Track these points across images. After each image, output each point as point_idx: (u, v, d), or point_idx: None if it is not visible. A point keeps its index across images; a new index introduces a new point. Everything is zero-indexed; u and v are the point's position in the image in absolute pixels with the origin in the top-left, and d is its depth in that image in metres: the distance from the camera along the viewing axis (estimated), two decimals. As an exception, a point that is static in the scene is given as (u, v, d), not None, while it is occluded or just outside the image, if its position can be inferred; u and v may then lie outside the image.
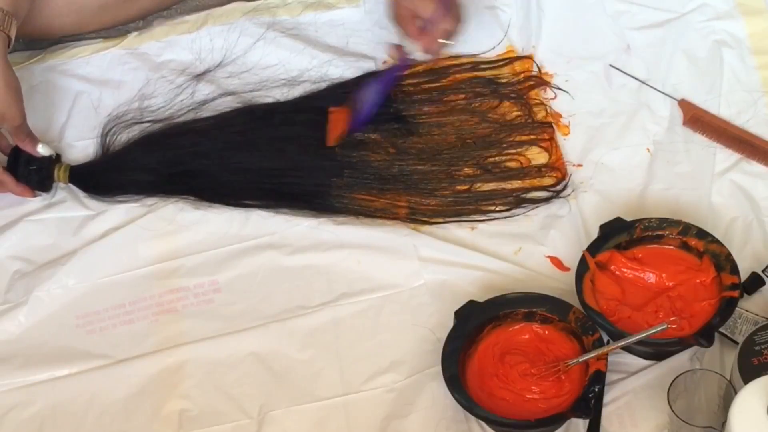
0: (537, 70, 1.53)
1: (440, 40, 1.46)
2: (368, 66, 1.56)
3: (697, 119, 1.45)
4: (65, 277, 1.40)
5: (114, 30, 1.64)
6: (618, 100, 1.50)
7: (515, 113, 1.50)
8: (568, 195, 1.42)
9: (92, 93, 1.57)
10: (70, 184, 1.48)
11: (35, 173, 1.47)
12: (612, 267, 1.31)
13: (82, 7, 1.58)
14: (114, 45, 1.61)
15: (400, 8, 1.47)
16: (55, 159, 1.48)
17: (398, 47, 1.50)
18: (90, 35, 1.63)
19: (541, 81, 1.52)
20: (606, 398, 1.24)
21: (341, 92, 1.51)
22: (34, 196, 1.47)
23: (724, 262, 1.27)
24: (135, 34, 1.62)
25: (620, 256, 1.31)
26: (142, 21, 1.65)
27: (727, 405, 1.11)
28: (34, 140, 1.46)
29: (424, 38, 1.46)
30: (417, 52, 1.48)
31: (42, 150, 1.46)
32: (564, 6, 1.57)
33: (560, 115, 1.49)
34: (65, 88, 1.58)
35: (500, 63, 1.54)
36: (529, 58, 1.54)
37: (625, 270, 1.31)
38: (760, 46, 1.50)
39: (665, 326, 1.22)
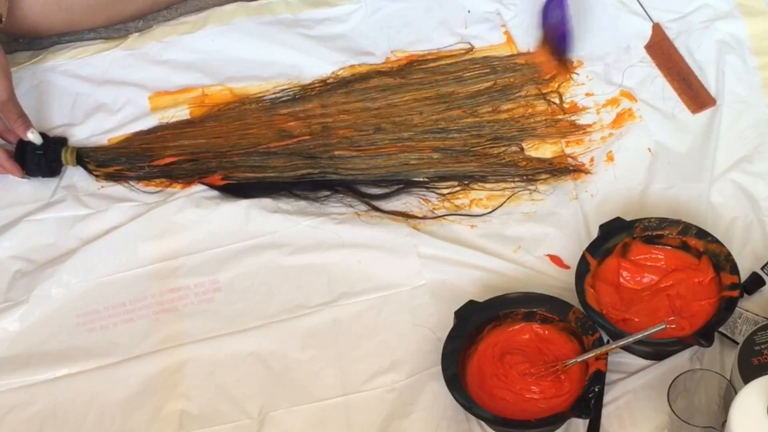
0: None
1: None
2: (371, 61, 1.56)
3: (659, 46, 1.49)
4: (66, 276, 1.40)
5: (115, 31, 1.64)
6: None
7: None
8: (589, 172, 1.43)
9: (93, 93, 1.57)
10: (78, 166, 1.49)
11: (43, 158, 1.48)
12: (612, 268, 1.31)
13: (72, 6, 1.58)
14: (115, 46, 1.61)
15: None
16: (62, 142, 1.50)
17: None
18: (90, 36, 1.64)
19: (565, 69, 1.52)
20: (606, 398, 1.24)
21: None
22: (23, 177, 1.48)
23: (723, 261, 1.27)
24: (136, 35, 1.62)
25: (620, 258, 1.31)
26: (142, 21, 1.65)
27: (727, 405, 1.11)
28: (27, 123, 1.47)
29: None
30: None
31: (32, 136, 1.47)
32: (565, 6, 1.57)
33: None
34: (66, 89, 1.58)
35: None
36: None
37: (624, 271, 1.31)
38: (761, 47, 1.49)
39: (664, 326, 1.22)
